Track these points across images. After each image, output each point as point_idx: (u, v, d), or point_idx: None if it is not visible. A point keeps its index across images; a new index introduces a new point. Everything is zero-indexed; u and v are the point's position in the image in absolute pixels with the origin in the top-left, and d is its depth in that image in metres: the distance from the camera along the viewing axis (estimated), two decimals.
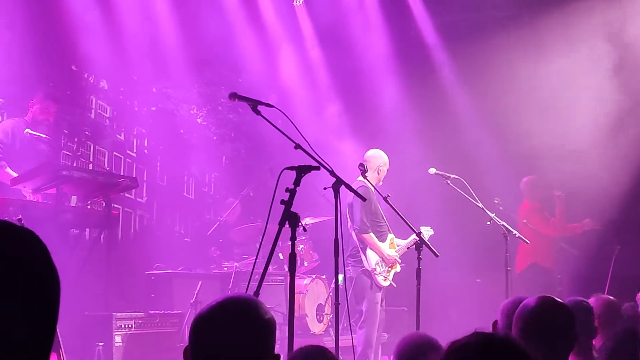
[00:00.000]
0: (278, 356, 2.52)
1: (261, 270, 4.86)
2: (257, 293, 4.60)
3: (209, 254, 9.61)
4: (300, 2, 11.79)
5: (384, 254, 8.22)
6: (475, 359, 2.01)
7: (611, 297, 5.18)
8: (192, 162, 11.13)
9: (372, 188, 7.85)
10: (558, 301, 3.65)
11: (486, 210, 7.86)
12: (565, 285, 9.44)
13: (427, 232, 7.63)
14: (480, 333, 2.12)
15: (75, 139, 9.37)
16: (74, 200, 7.09)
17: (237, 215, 10.27)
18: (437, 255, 6.95)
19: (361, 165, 7.69)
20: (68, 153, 9.32)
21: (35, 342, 1.27)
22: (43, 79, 8.90)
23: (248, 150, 11.96)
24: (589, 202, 10.04)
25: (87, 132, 9.42)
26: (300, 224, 4.87)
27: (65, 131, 9.30)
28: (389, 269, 8.31)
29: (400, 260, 8.42)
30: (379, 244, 8.22)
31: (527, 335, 3.40)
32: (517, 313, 3.62)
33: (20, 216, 5.98)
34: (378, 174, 8.35)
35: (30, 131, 7.47)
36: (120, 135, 10.65)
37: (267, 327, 2.49)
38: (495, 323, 4.47)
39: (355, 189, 6.27)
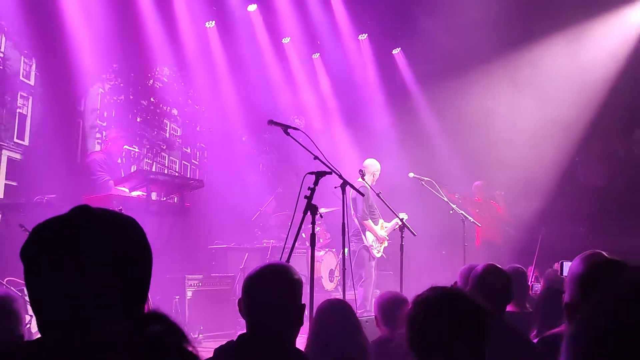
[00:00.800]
0: (304, 305, 2.56)
1: (290, 246, 4.93)
2: (287, 261, 4.67)
3: (253, 233, 9.65)
4: (317, 55, 11.87)
5: (377, 235, 8.33)
6: (442, 305, 2.04)
7: (518, 265, 5.16)
8: (238, 168, 11.18)
9: (369, 187, 7.96)
10: (498, 267, 3.65)
11: (450, 203, 7.96)
12: (507, 255, 9.47)
13: (403, 216, 7.70)
14: (437, 287, 2.14)
15: (154, 151, 9.48)
16: (153, 195, 7.12)
17: (273, 206, 10.28)
18: (414, 235, 7.00)
19: (361, 170, 7.78)
20: (149, 161, 9.43)
21: (138, 296, 1.31)
22: (132, 108, 9.05)
23: (278, 160, 11.96)
24: (522, 197, 10.13)
25: (163, 146, 9.54)
26: (318, 212, 4.97)
27: (147, 146, 9.41)
28: (380, 244, 8.42)
29: (388, 238, 8.52)
30: (374, 227, 8.32)
31: (475, 292, 3.42)
32: (470, 276, 3.65)
33: (120, 207, 6.06)
34: (373, 176, 8.41)
35: (127, 147, 7.58)
36: (187, 149, 10.75)
37: (296, 284, 2.53)
38: (455, 284, 4.52)
39: (357, 187, 6.38)
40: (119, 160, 7.37)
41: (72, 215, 1.28)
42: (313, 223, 4.93)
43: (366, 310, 8.07)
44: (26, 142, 7.66)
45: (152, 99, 9.66)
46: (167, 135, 10.16)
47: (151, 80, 9.56)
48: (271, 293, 2.48)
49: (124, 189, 7.03)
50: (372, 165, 8.46)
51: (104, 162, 7.27)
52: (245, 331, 2.52)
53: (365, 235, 8.25)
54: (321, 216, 5.18)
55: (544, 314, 4.02)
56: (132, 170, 8.23)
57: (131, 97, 9.14)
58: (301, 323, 2.54)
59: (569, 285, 2.09)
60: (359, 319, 4.83)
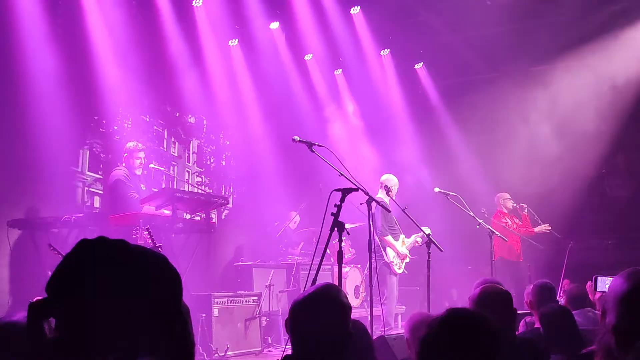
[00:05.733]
0: (351, 334, 2.49)
1: (317, 262, 4.93)
2: (315, 278, 4.65)
3: (278, 250, 9.63)
4: (340, 71, 11.88)
5: (398, 251, 8.30)
6: (449, 330, 1.99)
7: (547, 281, 5.09)
8: (263, 185, 11.16)
9: (388, 202, 7.92)
10: (497, 287, 3.56)
11: (476, 218, 7.83)
12: (533, 271, 9.37)
13: (426, 230, 7.65)
14: (453, 309, 2.08)
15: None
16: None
17: (297, 222, 10.30)
18: (441, 250, 6.90)
19: (386, 186, 7.80)
20: (180, 179, 9.45)
21: (176, 313, 1.33)
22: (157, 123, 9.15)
23: (299, 176, 11.90)
24: (549, 212, 10.02)
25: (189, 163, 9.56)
26: (345, 230, 4.93)
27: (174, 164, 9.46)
28: (401, 261, 8.39)
29: (409, 255, 8.48)
30: (394, 242, 8.29)
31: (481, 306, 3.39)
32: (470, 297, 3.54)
33: (148, 226, 6.09)
34: (391, 191, 8.39)
35: (154, 165, 7.60)
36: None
37: (343, 311, 2.48)
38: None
39: (381, 203, 6.36)
40: (137, 172, 7.35)
41: (76, 254, 1.28)
42: (340, 240, 4.90)
43: (391, 327, 8.05)
44: None
45: (177, 114, 9.69)
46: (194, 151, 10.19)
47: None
48: (318, 317, 2.45)
49: (149, 207, 7.07)
50: (390, 179, 8.46)
51: (127, 179, 7.25)
52: (285, 352, 2.56)
53: (385, 252, 8.22)
54: (348, 233, 5.14)
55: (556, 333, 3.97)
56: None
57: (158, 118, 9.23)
58: (345, 351, 2.49)
59: (615, 306, 1.97)
60: (386, 336, 4.80)
